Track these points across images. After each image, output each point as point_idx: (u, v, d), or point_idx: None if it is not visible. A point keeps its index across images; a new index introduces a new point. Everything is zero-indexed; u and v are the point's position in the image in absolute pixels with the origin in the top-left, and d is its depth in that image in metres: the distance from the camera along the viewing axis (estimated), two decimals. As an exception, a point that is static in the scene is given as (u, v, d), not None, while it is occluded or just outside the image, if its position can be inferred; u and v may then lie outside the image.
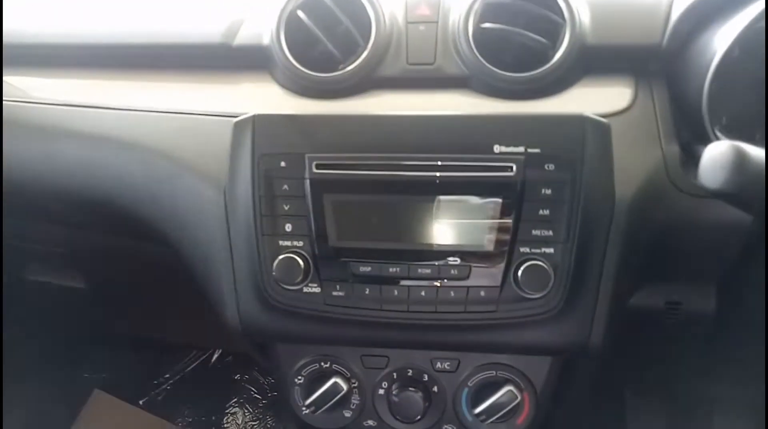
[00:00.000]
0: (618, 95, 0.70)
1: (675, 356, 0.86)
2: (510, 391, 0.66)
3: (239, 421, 1.61)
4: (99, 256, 0.92)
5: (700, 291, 0.73)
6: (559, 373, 0.69)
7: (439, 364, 0.69)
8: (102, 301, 1.04)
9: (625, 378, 1.25)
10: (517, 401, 0.67)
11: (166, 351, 1.68)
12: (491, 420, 0.68)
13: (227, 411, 1.63)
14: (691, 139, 0.65)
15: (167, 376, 1.68)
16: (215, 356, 1.69)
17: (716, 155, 0.45)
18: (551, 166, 0.59)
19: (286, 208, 0.62)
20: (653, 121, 0.67)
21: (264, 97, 0.75)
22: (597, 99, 0.69)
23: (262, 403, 1.63)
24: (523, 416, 0.69)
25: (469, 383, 0.69)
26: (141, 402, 1.64)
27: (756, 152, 0.45)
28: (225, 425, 1.61)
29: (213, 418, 1.61)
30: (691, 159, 0.64)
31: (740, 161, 0.44)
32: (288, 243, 0.63)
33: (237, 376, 1.67)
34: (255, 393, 1.65)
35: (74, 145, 0.74)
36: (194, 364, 1.68)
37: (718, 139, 0.60)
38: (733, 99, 0.62)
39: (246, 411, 1.63)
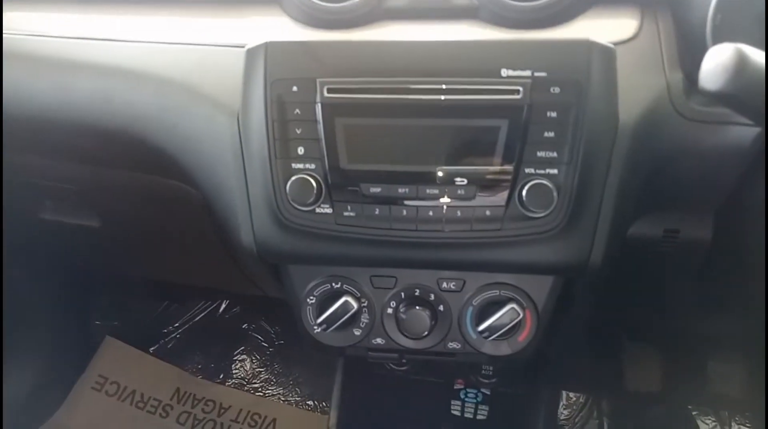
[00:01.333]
0: (624, 25, 0.72)
1: (671, 290, 0.88)
2: (512, 309, 0.68)
3: (247, 368, 1.66)
4: (113, 193, 0.94)
5: (698, 219, 0.74)
6: (559, 293, 0.71)
7: (445, 284, 0.70)
8: (116, 240, 1.06)
9: (622, 321, 1.29)
10: (519, 319, 0.69)
11: (176, 300, 1.72)
12: (494, 337, 0.70)
13: (235, 358, 1.68)
14: (694, 68, 0.65)
15: (176, 325, 1.73)
16: (223, 306, 1.73)
17: (718, 57, 0.47)
18: (557, 90, 0.60)
19: (299, 131, 0.63)
20: (658, 50, 0.69)
21: (274, 28, 0.76)
22: (603, 28, 0.71)
23: (269, 351, 1.68)
24: (525, 334, 0.71)
25: (473, 302, 0.70)
26: (151, 350, 1.69)
27: (756, 54, 0.47)
28: (233, 372, 1.66)
29: (222, 365, 1.66)
30: (694, 86, 0.64)
31: (741, 62, 0.46)
32: (300, 165, 0.64)
33: (244, 326, 1.71)
34: (262, 341, 1.70)
35: (87, 76, 0.76)
36: (203, 314, 1.72)
37: None
38: (737, 29, 0.63)
39: (253, 358, 1.68)
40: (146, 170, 0.84)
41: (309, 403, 1.59)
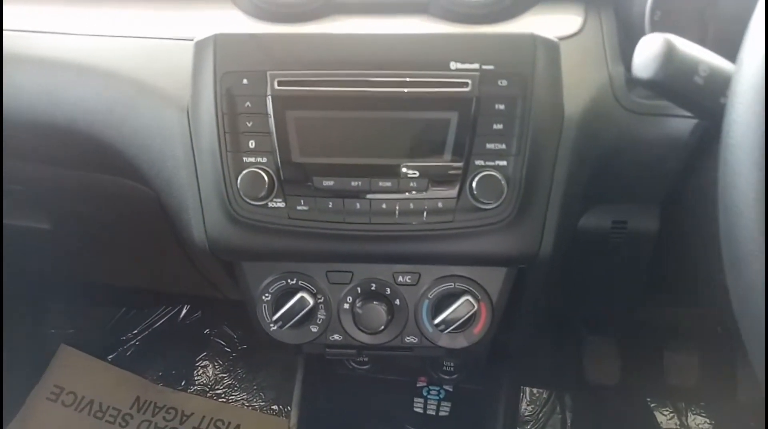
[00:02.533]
0: (569, 21, 0.74)
1: (622, 281, 0.91)
2: (467, 301, 0.68)
3: (209, 374, 1.63)
4: (64, 194, 0.91)
5: (644, 210, 0.76)
6: (512, 283, 0.72)
7: (400, 278, 0.71)
8: (69, 244, 1.02)
9: (581, 315, 1.32)
10: (473, 310, 0.70)
11: (135, 306, 1.68)
12: (450, 329, 0.71)
13: (197, 364, 1.64)
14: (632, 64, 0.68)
15: (135, 331, 1.68)
16: (184, 311, 1.69)
17: (648, 47, 0.49)
18: (504, 82, 0.61)
19: (249, 124, 0.63)
20: (601, 45, 0.72)
21: (225, 22, 0.76)
22: (549, 24, 0.73)
23: (232, 356, 1.65)
24: (480, 326, 0.72)
25: (429, 295, 0.71)
26: (110, 358, 1.64)
27: (685, 45, 0.49)
28: (195, 378, 1.62)
29: (183, 371, 1.62)
30: (636, 79, 0.68)
31: (669, 51, 0.48)
32: (252, 159, 0.63)
33: (206, 331, 1.68)
34: (225, 346, 1.67)
35: (30, 70, 0.74)
36: (163, 320, 1.68)
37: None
38: (675, 25, 0.66)
39: (216, 364, 1.64)
40: (97, 169, 0.82)
41: (274, 407, 1.57)
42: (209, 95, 0.63)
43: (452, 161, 0.62)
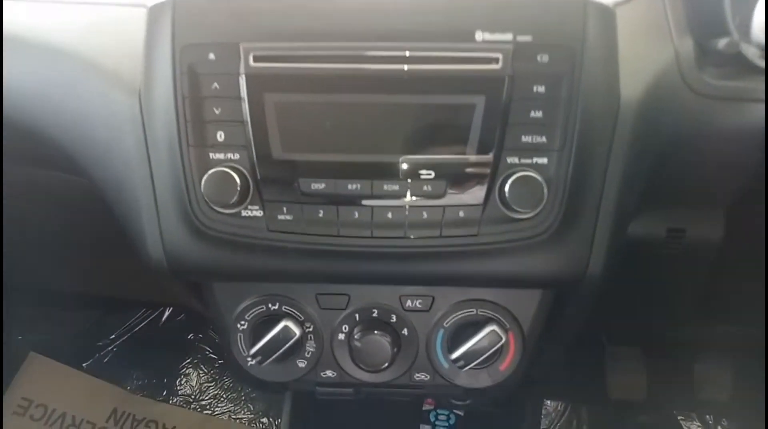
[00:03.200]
0: None
1: (668, 296, 0.79)
2: (493, 331, 0.59)
3: (193, 383, 1.54)
4: (6, 192, 0.78)
5: (707, 216, 0.67)
6: (549, 309, 0.62)
7: (409, 302, 0.62)
8: (22, 247, 0.91)
9: (604, 324, 1.21)
10: (500, 343, 0.60)
11: (112, 309, 1.59)
12: (471, 366, 0.61)
13: (180, 373, 1.55)
14: (707, 32, 0.57)
15: (112, 337, 1.58)
16: (165, 315, 1.59)
17: None
18: (545, 58, 0.52)
19: (217, 111, 0.53)
20: (662, 12, 0.60)
21: None
22: None
23: (218, 364, 1.56)
24: (508, 361, 0.62)
25: (444, 324, 0.62)
26: (84, 365, 1.54)
27: None
28: (178, 388, 1.53)
29: (165, 380, 1.53)
30: (707, 56, 0.57)
31: None
32: (220, 155, 0.54)
33: (190, 336, 1.59)
34: (210, 353, 1.58)
35: None
36: (142, 324, 1.58)
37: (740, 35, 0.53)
38: None
39: (200, 372, 1.56)
40: (34, 163, 0.71)
41: (263, 420, 1.47)
42: (166, 74, 0.54)
43: (477, 158, 0.53)
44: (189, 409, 1.49)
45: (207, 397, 1.51)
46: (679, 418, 1.39)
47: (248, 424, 1.47)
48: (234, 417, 1.48)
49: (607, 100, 0.54)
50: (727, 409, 1.36)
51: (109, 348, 1.56)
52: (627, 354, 1.28)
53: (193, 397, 1.51)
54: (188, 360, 1.56)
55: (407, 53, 0.52)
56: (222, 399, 1.51)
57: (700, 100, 0.57)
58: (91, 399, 1.46)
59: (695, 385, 1.26)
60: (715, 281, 0.74)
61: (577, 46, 0.52)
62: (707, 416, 1.40)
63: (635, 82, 0.56)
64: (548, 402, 1.42)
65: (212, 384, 1.53)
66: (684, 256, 0.69)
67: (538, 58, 0.52)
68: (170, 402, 1.49)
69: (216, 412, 1.49)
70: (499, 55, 0.51)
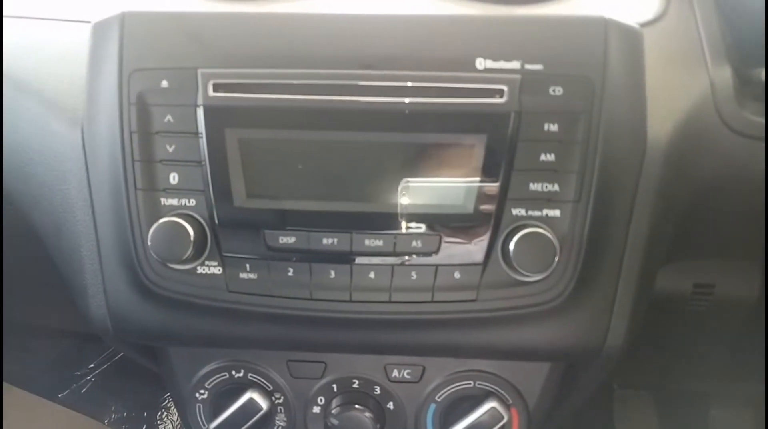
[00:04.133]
0: (644, 1, 0.56)
1: (688, 352, 0.71)
2: (493, 408, 0.53)
3: (174, 418, 1.47)
4: None
5: (740, 271, 0.61)
6: (558, 383, 0.55)
7: (396, 372, 0.55)
8: None
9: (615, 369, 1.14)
10: (503, 422, 0.53)
11: (90, 336, 1.51)
12: None
13: (162, 405, 1.48)
14: (746, 62, 0.50)
15: (91, 366, 1.52)
16: (148, 343, 1.52)
17: None
18: (558, 91, 0.45)
19: (170, 149, 0.47)
20: (695, 35, 0.53)
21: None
22: (615, 5, 0.55)
23: (203, 396, 1.48)
24: None
25: (437, 397, 0.55)
26: (60, 396, 1.48)
27: None
28: (159, 422, 1.47)
29: (145, 414, 1.47)
30: (748, 88, 0.50)
31: None
32: (173, 201, 0.48)
33: (173, 366, 1.51)
34: (194, 384, 1.49)
35: None
36: (118, 349, 1.50)
37: None
38: None
39: (183, 405, 1.47)
40: None
41: None
42: (112, 103, 0.47)
43: (477, 209, 0.47)
44: (170, 445, 1.43)
45: (189, 433, 1.45)
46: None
47: (232, 463, 1.41)
48: (217, 455, 1.42)
49: (631, 141, 0.48)
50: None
51: (87, 378, 1.51)
52: (637, 399, 1.20)
53: (175, 432, 1.45)
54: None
55: (397, 83, 0.44)
56: (206, 435, 1.45)
57: (738, 140, 0.51)
58: (66, 434, 1.40)
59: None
60: (746, 339, 0.65)
61: (596, 77, 0.45)
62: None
63: (664, 119, 0.49)
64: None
65: (195, 419, 1.48)
66: (711, 314, 0.62)
67: (551, 90, 0.45)
68: (151, 438, 1.43)
69: (198, 450, 1.43)
70: (504, 87, 0.45)
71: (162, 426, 1.46)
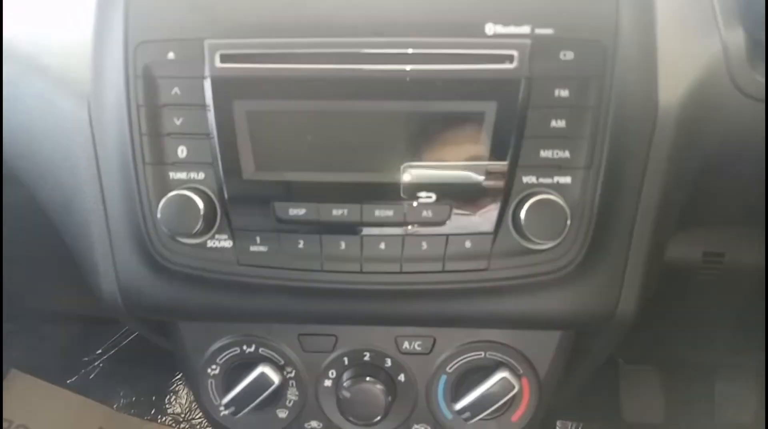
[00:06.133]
0: None
1: (699, 322, 0.71)
2: (504, 379, 0.53)
3: (183, 401, 1.49)
4: None
5: (751, 239, 0.60)
6: (569, 352, 0.55)
7: (406, 344, 0.55)
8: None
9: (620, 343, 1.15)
10: (514, 392, 0.53)
11: (98, 323, 1.54)
12: (478, 417, 0.54)
13: (170, 390, 1.50)
14: (760, 25, 0.49)
15: (99, 351, 1.53)
16: (155, 328, 1.53)
17: None
18: (569, 55, 0.45)
19: (178, 122, 0.47)
20: (707, 0, 0.52)
21: None
22: None
23: (210, 380, 1.50)
24: (521, 410, 0.55)
25: (448, 369, 0.56)
26: (69, 382, 1.48)
27: None
28: (167, 406, 1.48)
29: (153, 398, 1.49)
30: (760, 51, 0.49)
31: None
32: (182, 175, 0.47)
33: (180, 351, 1.52)
34: (201, 369, 1.50)
35: None
36: (130, 338, 1.53)
37: None
38: None
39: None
40: None
41: None
42: (118, 77, 0.47)
43: (487, 178, 0.47)
44: (178, 428, 1.44)
45: (197, 416, 1.45)
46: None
47: (240, 445, 1.42)
48: (225, 437, 1.44)
49: (643, 107, 0.47)
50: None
51: (95, 364, 1.51)
52: (643, 374, 1.21)
53: (182, 416, 1.46)
54: (177, 377, 1.51)
55: (402, 50, 0.44)
56: (213, 418, 1.46)
57: (751, 104, 0.50)
58: (76, 419, 1.42)
59: (717, 404, 1.20)
60: (753, 308, 0.66)
61: (608, 42, 0.45)
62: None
63: (676, 83, 0.48)
64: (559, 423, 1.36)
65: (203, 402, 1.49)
66: (720, 283, 0.63)
67: (561, 55, 0.45)
68: (159, 421, 1.44)
69: (208, 432, 1.45)
70: (514, 53, 0.44)
71: (170, 410, 1.47)
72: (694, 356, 0.99)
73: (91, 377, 1.50)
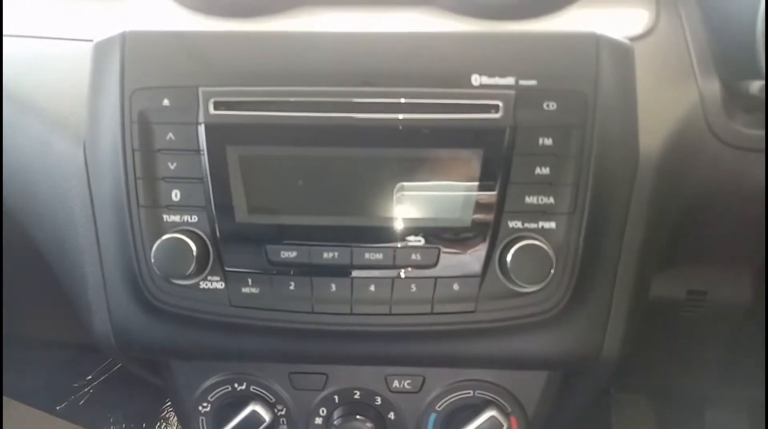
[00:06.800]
0: (634, 15, 0.57)
1: (682, 357, 0.71)
2: (493, 417, 0.53)
3: (176, 428, 1.46)
4: None
5: (732, 277, 0.61)
6: (556, 391, 0.55)
7: (396, 383, 0.55)
8: None
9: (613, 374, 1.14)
10: None
11: (88, 347, 1.50)
12: None
13: (161, 417, 1.47)
14: (735, 75, 0.51)
15: (89, 377, 1.50)
16: (146, 354, 1.51)
17: None
18: (552, 106, 0.46)
19: (172, 167, 0.47)
20: (684, 50, 0.54)
21: (154, 16, 0.59)
22: (606, 20, 0.57)
23: (202, 406, 1.47)
24: None
25: (437, 407, 0.56)
26: (58, 408, 1.45)
27: None
28: None
29: (143, 425, 1.45)
30: (737, 100, 0.51)
31: None
32: (175, 218, 0.48)
33: (171, 376, 1.50)
34: (192, 395, 1.48)
35: None
36: (121, 364, 1.49)
37: None
38: None
39: (182, 416, 1.46)
40: None
41: None
42: (114, 121, 0.47)
43: (475, 222, 0.47)
44: (168, 456, 1.41)
45: (188, 444, 1.44)
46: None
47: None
48: (217, 466, 1.41)
49: (624, 154, 0.48)
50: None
51: (85, 390, 1.48)
52: (634, 402, 1.20)
53: (174, 443, 1.44)
54: (168, 403, 1.47)
55: (393, 100, 0.45)
56: (204, 446, 1.44)
57: (728, 151, 0.51)
58: (65, 446, 1.39)
59: None
60: (739, 344, 0.66)
61: (589, 91, 0.46)
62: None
63: (655, 131, 0.50)
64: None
65: (194, 429, 1.47)
66: (705, 320, 0.63)
67: (545, 105, 0.46)
68: (149, 448, 1.41)
69: (197, 460, 1.42)
70: (499, 103, 0.45)
71: (161, 437, 1.45)
72: (683, 386, 0.99)
73: (81, 403, 1.47)
